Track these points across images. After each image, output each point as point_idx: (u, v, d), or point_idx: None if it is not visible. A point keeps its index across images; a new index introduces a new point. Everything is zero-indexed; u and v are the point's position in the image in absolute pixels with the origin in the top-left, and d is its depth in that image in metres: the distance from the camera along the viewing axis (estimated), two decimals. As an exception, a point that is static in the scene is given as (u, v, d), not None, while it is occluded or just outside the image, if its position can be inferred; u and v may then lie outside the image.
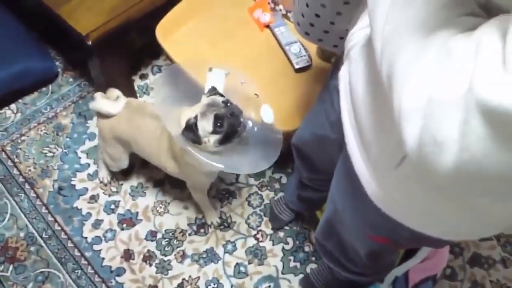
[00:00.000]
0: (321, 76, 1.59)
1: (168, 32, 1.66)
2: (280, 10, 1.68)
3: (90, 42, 1.55)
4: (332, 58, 1.57)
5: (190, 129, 1.24)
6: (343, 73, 0.81)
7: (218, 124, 1.24)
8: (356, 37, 0.77)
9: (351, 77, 0.76)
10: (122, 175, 1.79)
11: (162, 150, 1.47)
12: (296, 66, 1.57)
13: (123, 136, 1.53)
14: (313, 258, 1.68)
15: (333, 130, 1.00)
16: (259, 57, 1.61)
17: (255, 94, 1.41)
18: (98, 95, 1.55)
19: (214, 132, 1.25)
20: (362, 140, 0.72)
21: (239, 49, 1.62)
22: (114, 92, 1.57)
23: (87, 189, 1.77)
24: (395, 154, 0.63)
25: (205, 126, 1.25)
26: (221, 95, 1.32)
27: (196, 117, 1.25)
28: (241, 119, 1.27)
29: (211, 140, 1.26)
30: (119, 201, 1.75)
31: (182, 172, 1.50)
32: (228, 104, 1.28)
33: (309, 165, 1.30)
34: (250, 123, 1.36)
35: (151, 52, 2.07)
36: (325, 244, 1.16)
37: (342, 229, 0.99)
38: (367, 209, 0.76)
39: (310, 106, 1.51)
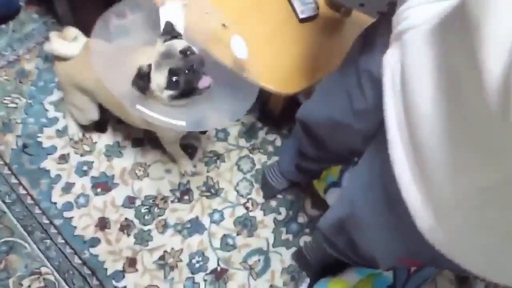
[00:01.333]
0: (329, 27, 1.36)
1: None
2: None
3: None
4: (343, 8, 1.34)
5: (141, 78, 1.06)
6: (391, 60, 0.60)
7: (173, 80, 1.06)
8: (416, 14, 0.56)
9: (405, 69, 0.55)
10: (95, 130, 1.59)
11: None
12: (301, 16, 1.34)
13: (82, 84, 1.33)
14: (307, 230, 1.54)
15: (359, 120, 0.82)
16: (257, 4, 1.36)
17: (223, 25, 1.19)
18: (53, 34, 1.34)
19: (168, 88, 1.07)
20: (420, 166, 0.52)
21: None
22: (71, 31, 1.35)
23: (55, 148, 1.55)
24: (479, 198, 0.45)
25: (158, 80, 1.06)
26: (178, 36, 1.12)
27: (150, 67, 1.06)
28: (202, 73, 1.08)
29: (164, 95, 1.08)
30: (93, 162, 1.55)
31: (149, 125, 1.31)
32: (188, 54, 1.08)
33: (317, 143, 1.12)
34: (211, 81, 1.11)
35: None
36: (331, 239, 1.00)
37: (359, 237, 0.82)
38: (408, 236, 0.59)
39: (315, 65, 1.31)
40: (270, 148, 1.62)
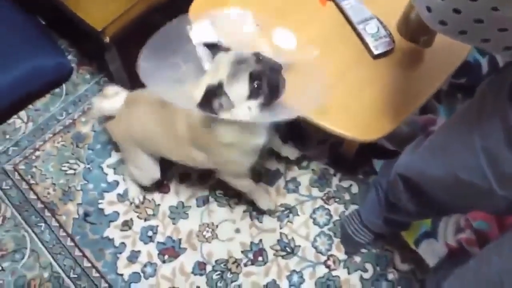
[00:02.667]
0: (408, 61, 1.21)
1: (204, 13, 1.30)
2: (346, -24, 1.29)
3: (107, 39, 1.21)
4: (424, 37, 1.19)
5: (211, 96, 0.94)
6: None
7: (256, 85, 0.93)
8: None
9: None
10: (158, 191, 1.49)
11: (181, 140, 1.15)
12: (375, 52, 1.19)
13: (135, 135, 1.26)
14: None
15: (503, 185, 0.66)
16: (323, 42, 1.23)
17: (257, 25, 1.09)
18: (95, 99, 1.41)
19: (252, 96, 0.94)
20: None
21: (296, 32, 1.24)
22: (111, 88, 1.39)
23: (118, 214, 1.47)
24: None
25: (239, 90, 0.94)
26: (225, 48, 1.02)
27: (220, 83, 0.94)
28: (282, 75, 0.97)
29: (252, 107, 0.96)
30: (157, 226, 1.45)
31: (213, 159, 1.18)
32: (261, 58, 0.96)
33: (422, 200, 0.97)
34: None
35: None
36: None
37: None
38: None
39: (396, 105, 1.16)
40: (347, 196, 1.46)
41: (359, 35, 1.22)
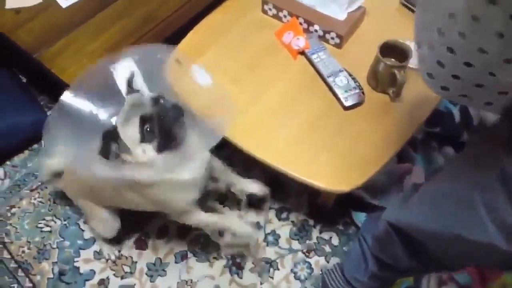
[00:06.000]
0: (379, 112, 1.23)
1: (178, 71, 1.31)
2: (316, 31, 1.33)
3: (81, 96, 1.22)
4: (393, 88, 1.21)
5: (107, 143, 0.94)
6: None
7: (147, 129, 0.93)
8: None
9: None
10: (135, 247, 1.46)
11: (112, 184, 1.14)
12: (346, 104, 1.21)
13: (83, 188, 1.27)
14: None
15: (509, 240, 0.66)
16: (294, 95, 1.25)
17: (177, 61, 1.09)
18: (45, 161, 1.35)
19: (143, 139, 0.94)
20: None
21: (267, 85, 1.27)
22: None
23: (94, 272, 1.42)
24: None
25: (130, 133, 0.94)
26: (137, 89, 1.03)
27: (114, 128, 0.95)
28: (181, 119, 0.97)
29: (147, 150, 0.95)
30: (134, 285, 1.40)
31: (152, 202, 1.13)
32: (160, 101, 0.96)
33: (417, 253, 0.95)
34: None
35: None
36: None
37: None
38: None
39: (369, 155, 1.16)
40: (327, 248, 1.44)
41: (329, 88, 1.25)
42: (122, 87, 1.02)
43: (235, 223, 1.21)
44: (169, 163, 0.99)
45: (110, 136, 0.95)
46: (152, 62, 1.07)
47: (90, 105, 1.04)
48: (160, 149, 0.96)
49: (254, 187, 1.30)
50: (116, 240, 1.43)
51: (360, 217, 1.44)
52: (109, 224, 1.33)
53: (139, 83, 1.05)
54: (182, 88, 1.09)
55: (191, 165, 1.07)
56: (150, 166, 0.98)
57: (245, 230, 1.22)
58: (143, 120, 0.94)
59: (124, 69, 1.04)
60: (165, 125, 0.95)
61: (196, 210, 1.17)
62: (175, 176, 1.06)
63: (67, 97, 1.03)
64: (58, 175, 1.35)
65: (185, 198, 1.12)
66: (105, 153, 0.94)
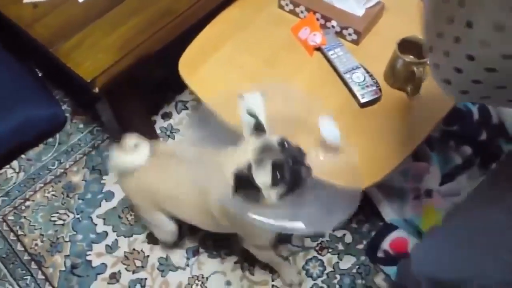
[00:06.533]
0: (396, 109, 1.21)
1: (194, 65, 1.31)
2: (333, 27, 1.32)
3: (96, 90, 1.21)
4: (410, 85, 1.19)
5: (245, 182, 0.91)
6: None
7: (278, 175, 0.91)
8: None
9: None
10: (147, 241, 1.46)
11: (209, 202, 1.09)
12: (362, 100, 1.19)
13: (152, 188, 1.18)
14: None
15: None
16: (311, 91, 1.24)
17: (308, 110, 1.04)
18: (113, 150, 1.18)
19: (274, 184, 0.91)
20: None
21: (283, 81, 1.26)
22: (131, 139, 1.17)
23: (106, 266, 1.43)
24: None
25: (263, 177, 0.91)
26: (263, 129, 0.98)
27: (249, 167, 0.91)
28: (306, 163, 0.95)
29: (272, 194, 0.92)
30: (146, 279, 1.40)
31: (236, 229, 1.15)
32: (285, 145, 0.95)
33: None
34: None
35: (174, 85, 1.72)
36: None
37: None
38: None
39: (385, 154, 1.14)
40: (340, 246, 1.43)
41: (346, 84, 1.23)
42: (245, 123, 0.99)
43: (286, 272, 1.36)
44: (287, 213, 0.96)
45: (246, 178, 0.92)
46: (278, 101, 1.04)
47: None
48: (286, 194, 0.94)
49: None
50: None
51: (391, 271, 1.36)
52: (168, 229, 1.30)
53: (262, 119, 1.00)
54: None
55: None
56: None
57: (289, 280, 1.36)
58: (275, 166, 0.92)
59: (252, 102, 1.01)
60: (295, 172, 0.93)
61: (269, 247, 1.24)
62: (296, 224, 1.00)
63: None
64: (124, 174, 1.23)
65: (269, 236, 1.18)
66: (242, 193, 0.92)
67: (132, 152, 1.17)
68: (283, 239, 1.44)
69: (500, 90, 0.57)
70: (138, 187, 1.20)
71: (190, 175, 1.10)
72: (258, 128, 0.98)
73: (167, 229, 1.29)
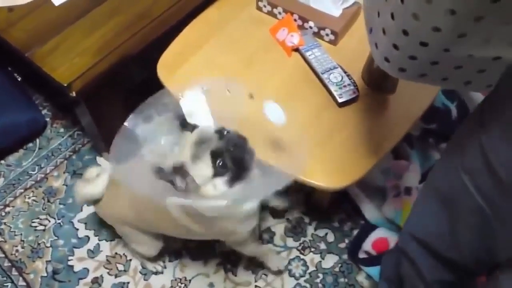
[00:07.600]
0: (373, 108, 1.22)
1: (173, 67, 1.31)
2: (311, 27, 1.32)
3: (74, 93, 1.21)
4: (387, 84, 1.20)
5: (179, 174, 0.91)
6: None
7: (220, 163, 0.91)
8: None
9: None
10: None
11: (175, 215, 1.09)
12: (340, 100, 1.20)
13: (127, 218, 1.21)
14: None
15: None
16: (289, 91, 1.25)
17: (250, 96, 1.03)
18: (78, 185, 1.25)
19: (217, 174, 0.91)
20: None
21: (262, 81, 1.26)
22: (91, 171, 1.26)
23: (88, 270, 1.42)
24: None
25: (202, 171, 0.91)
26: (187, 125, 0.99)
27: (182, 165, 0.91)
28: (248, 147, 0.94)
29: (218, 185, 0.92)
30: (128, 282, 1.40)
31: (210, 232, 1.15)
32: (225, 133, 0.95)
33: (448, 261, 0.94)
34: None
35: (154, 86, 1.70)
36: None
37: None
38: None
39: (363, 152, 1.15)
40: (323, 245, 1.43)
41: (324, 84, 1.24)
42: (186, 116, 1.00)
43: (271, 259, 1.36)
44: (240, 196, 0.97)
45: (179, 168, 0.91)
46: (220, 96, 1.04)
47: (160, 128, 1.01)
48: (233, 182, 0.93)
49: (277, 201, 1.43)
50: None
51: (373, 271, 1.37)
52: (153, 245, 1.31)
53: (206, 115, 1.01)
54: (252, 125, 1.02)
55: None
56: (221, 200, 0.96)
57: (275, 267, 1.36)
58: (214, 155, 0.92)
59: (193, 99, 1.01)
60: (237, 157, 0.92)
61: (252, 239, 1.23)
62: (243, 207, 1.05)
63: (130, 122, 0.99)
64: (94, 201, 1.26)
65: (247, 228, 1.15)
66: (179, 187, 0.91)
67: (93, 182, 1.21)
68: (265, 239, 1.44)
69: (435, 66, 0.63)
70: (111, 215, 1.25)
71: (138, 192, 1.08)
72: (183, 124, 0.98)
73: (152, 244, 1.31)
